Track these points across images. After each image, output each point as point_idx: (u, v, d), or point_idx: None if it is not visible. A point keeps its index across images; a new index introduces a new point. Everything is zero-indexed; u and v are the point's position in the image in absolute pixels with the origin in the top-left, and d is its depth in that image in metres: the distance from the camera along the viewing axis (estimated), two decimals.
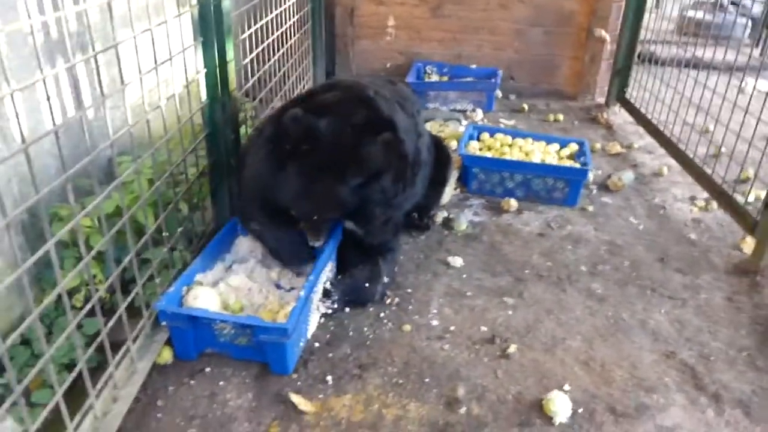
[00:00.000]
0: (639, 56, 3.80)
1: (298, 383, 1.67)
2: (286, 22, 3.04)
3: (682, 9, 5.40)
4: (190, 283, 1.80)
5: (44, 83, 1.26)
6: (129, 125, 1.56)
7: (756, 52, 5.40)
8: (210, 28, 1.94)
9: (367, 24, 4.21)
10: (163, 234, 1.79)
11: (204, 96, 2.04)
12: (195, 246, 2.04)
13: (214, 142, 2.08)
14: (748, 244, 2.35)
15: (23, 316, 1.74)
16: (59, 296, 1.33)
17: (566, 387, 1.68)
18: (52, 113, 1.38)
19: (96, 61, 1.46)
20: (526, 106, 3.93)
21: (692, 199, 2.81)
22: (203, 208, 2.14)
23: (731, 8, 6.03)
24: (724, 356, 1.84)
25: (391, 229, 2.08)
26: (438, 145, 2.41)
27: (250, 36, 2.49)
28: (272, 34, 2.79)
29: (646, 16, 3.68)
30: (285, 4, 3.04)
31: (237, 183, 2.06)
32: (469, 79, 4.04)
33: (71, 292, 1.73)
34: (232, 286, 1.88)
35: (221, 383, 1.66)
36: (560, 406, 1.59)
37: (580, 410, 1.62)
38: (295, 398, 1.61)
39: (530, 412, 1.61)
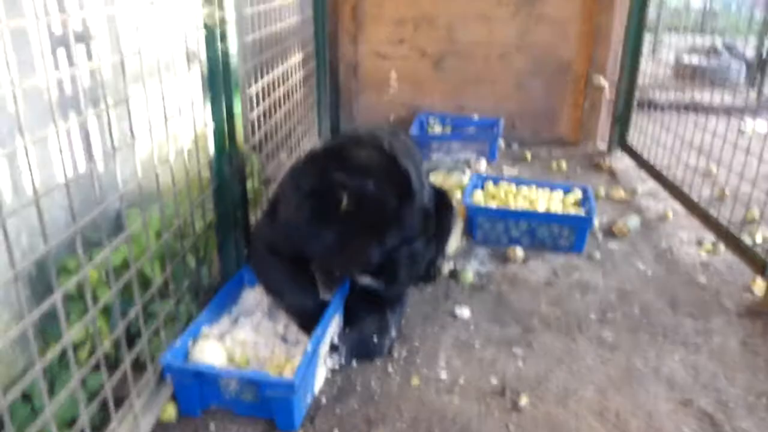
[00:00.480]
0: (638, 102, 3.87)
1: None
2: (291, 77, 3.11)
3: (678, 55, 5.51)
4: (196, 336, 1.79)
5: (57, 136, 1.28)
6: (138, 178, 1.58)
7: (752, 95, 5.49)
8: (218, 83, 1.99)
9: (370, 78, 4.30)
10: (170, 287, 1.79)
11: (212, 150, 2.07)
12: (201, 299, 2.03)
13: (221, 196, 2.10)
14: (759, 286, 2.33)
15: (26, 369, 1.72)
16: (63, 350, 1.32)
17: None
18: (64, 166, 1.40)
19: (108, 116, 1.49)
20: (529, 155, 3.97)
21: (699, 242, 2.80)
22: (210, 261, 2.14)
23: (725, 53, 6.16)
24: (742, 402, 1.79)
25: (405, 283, 2.11)
26: (440, 194, 2.42)
27: (256, 92, 2.54)
28: (278, 88, 2.85)
29: (643, 62, 3.77)
30: (291, 59, 3.12)
31: (247, 232, 2.09)
32: (471, 129, 4.10)
33: (76, 346, 1.72)
34: (238, 340, 1.86)
35: None
36: None
37: None
38: None
39: None
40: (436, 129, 4.15)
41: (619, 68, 3.91)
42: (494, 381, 1.87)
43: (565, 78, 4.15)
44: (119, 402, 1.55)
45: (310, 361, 1.66)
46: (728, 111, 2.84)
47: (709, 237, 2.79)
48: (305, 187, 1.85)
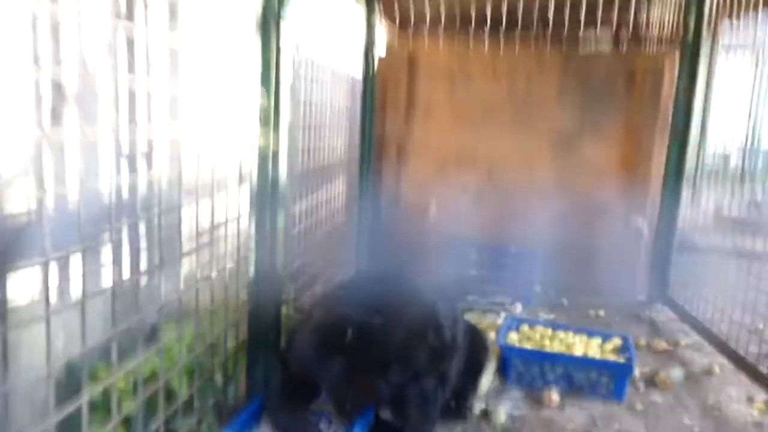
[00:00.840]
0: (679, 245, 3.85)
1: None
2: (333, 204, 3.23)
3: (718, 208, 5.52)
4: None
5: (111, 242, 1.35)
6: (179, 291, 1.62)
7: None
8: (265, 205, 2.08)
9: (411, 208, 4.43)
10: (195, 403, 1.75)
11: (252, 271, 2.12)
12: (224, 419, 1.97)
13: (256, 317, 2.11)
14: None
15: None
16: None
17: None
18: (113, 273, 1.44)
19: (159, 227, 1.57)
20: (566, 301, 3.92)
21: (750, 399, 2.63)
22: (237, 380, 2.11)
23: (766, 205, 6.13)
24: None
25: (429, 420, 2.03)
26: (474, 332, 2.40)
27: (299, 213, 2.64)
28: (319, 211, 2.95)
29: (683, 207, 3.79)
30: (335, 189, 3.26)
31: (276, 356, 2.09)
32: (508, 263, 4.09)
33: None
34: None
35: None
36: None
37: None
38: None
39: None
40: (471, 258, 4.15)
41: (658, 214, 3.93)
42: None
43: (602, 223, 4.18)
44: None
45: None
46: None
47: (760, 395, 2.62)
48: (316, 321, 1.94)
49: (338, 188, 3.36)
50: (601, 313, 3.72)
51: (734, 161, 4.30)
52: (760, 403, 2.58)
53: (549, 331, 2.87)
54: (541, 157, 4.22)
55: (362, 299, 1.95)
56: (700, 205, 5.03)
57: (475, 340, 2.34)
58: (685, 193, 3.86)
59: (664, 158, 3.89)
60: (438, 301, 2.14)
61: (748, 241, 2.93)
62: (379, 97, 4.15)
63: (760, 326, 3.18)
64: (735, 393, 2.72)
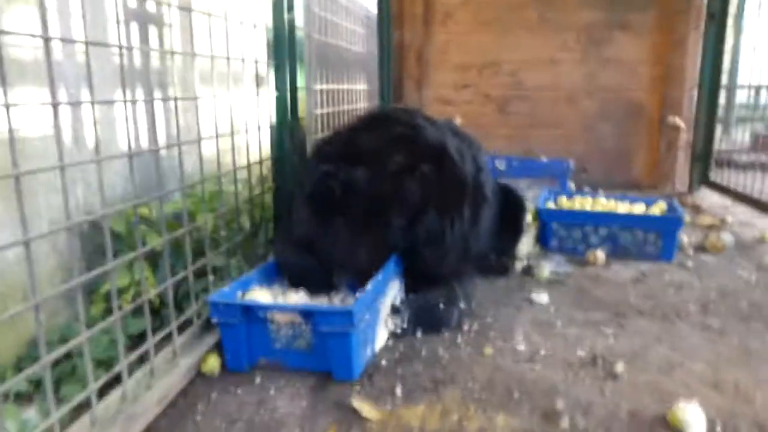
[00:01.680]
0: (716, 161, 3.69)
1: (362, 394, 1.41)
2: (355, 103, 3.12)
3: (754, 132, 5.29)
4: (246, 289, 1.64)
5: (124, 104, 1.27)
6: (199, 150, 1.53)
7: None
8: (283, 51, 1.98)
9: None
10: (221, 233, 1.67)
11: (273, 122, 2.02)
12: (253, 263, 1.89)
13: (280, 167, 2.02)
14: None
15: (69, 323, 1.61)
16: (107, 303, 1.23)
17: (695, 402, 1.34)
18: (128, 135, 1.36)
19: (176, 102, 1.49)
20: (602, 192, 3.75)
21: None
22: (267, 231, 2.03)
23: None
24: None
25: (442, 254, 1.89)
26: (507, 190, 2.27)
27: (320, 92, 2.53)
28: (342, 105, 2.85)
29: (717, 133, 3.62)
30: (356, 85, 3.15)
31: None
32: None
33: (120, 291, 1.60)
34: (292, 301, 1.69)
35: (272, 392, 1.43)
36: (692, 417, 1.25)
37: (718, 428, 1.27)
38: (358, 404, 1.34)
39: (651, 426, 1.27)
40: (502, 169, 4.02)
41: (695, 107, 3.74)
42: (581, 353, 1.61)
43: (637, 120, 4.01)
44: (159, 349, 1.41)
45: (371, 299, 1.48)
46: None
47: None
48: (306, 190, 1.78)
49: (359, 103, 3.24)
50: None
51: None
52: None
53: (589, 199, 2.73)
54: (569, 58, 4.04)
55: (345, 151, 1.80)
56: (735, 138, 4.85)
57: (508, 196, 2.21)
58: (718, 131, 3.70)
59: (700, 48, 3.68)
60: (449, 129, 2.01)
61: None
62: (395, 2, 4.01)
63: None
64: None
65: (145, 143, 1.99)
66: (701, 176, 3.72)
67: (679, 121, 3.86)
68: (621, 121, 4.03)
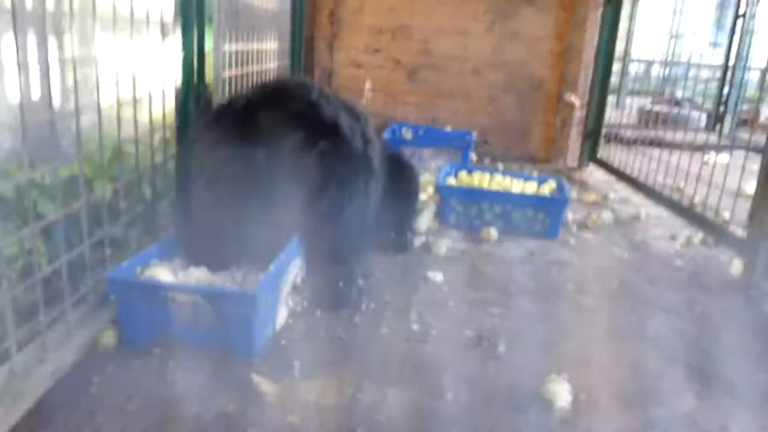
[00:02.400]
0: (604, 136, 3.96)
1: (261, 369, 1.46)
2: (265, 63, 3.05)
3: (642, 106, 5.70)
4: (145, 264, 1.62)
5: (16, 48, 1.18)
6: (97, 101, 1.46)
7: (713, 137, 5.67)
8: (191, 12, 1.90)
9: (344, 86, 4.28)
10: (120, 205, 1.63)
11: (179, 85, 1.96)
12: (154, 234, 1.86)
13: (184, 132, 1.97)
14: (736, 266, 2.28)
15: None
16: None
17: (564, 376, 1.50)
18: (20, 83, 1.26)
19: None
20: (501, 166, 3.94)
21: (673, 237, 2.76)
22: (169, 201, 1.98)
23: (686, 103, 6.40)
24: (729, 359, 1.69)
25: (357, 234, 1.95)
26: (397, 157, 2.31)
27: (230, 53, 2.46)
28: (251, 65, 2.77)
29: (608, 110, 3.89)
30: (266, 44, 3.07)
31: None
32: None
33: (7, 261, 1.53)
34: (193, 277, 1.69)
35: (171, 364, 1.44)
36: (560, 389, 1.41)
37: (582, 396, 1.44)
38: (257, 378, 1.39)
39: (527, 399, 1.42)
40: (408, 138, 4.10)
41: (590, 86, 3.98)
42: (469, 333, 1.74)
43: (537, 95, 4.20)
44: (53, 323, 1.37)
45: (272, 280, 1.51)
46: (691, 147, 2.99)
47: (683, 232, 2.75)
48: (207, 170, 1.71)
49: (269, 63, 3.15)
50: (534, 174, 3.77)
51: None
52: (683, 239, 2.71)
53: (486, 176, 2.88)
54: (478, 29, 4.13)
55: (244, 128, 1.78)
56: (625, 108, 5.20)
57: (398, 163, 2.25)
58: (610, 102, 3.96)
59: (597, 27, 3.89)
60: (341, 104, 2.01)
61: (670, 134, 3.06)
62: None
63: (682, 185, 3.34)
64: (660, 232, 2.84)
65: (37, 95, 1.86)
66: (590, 153, 3.99)
67: (574, 99, 4.09)
68: (523, 96, 4.21)
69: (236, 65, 2.54)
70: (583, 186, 3.63)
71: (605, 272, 2.27)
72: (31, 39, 1.79)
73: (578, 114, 4.10)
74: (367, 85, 4.29)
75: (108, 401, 1.29)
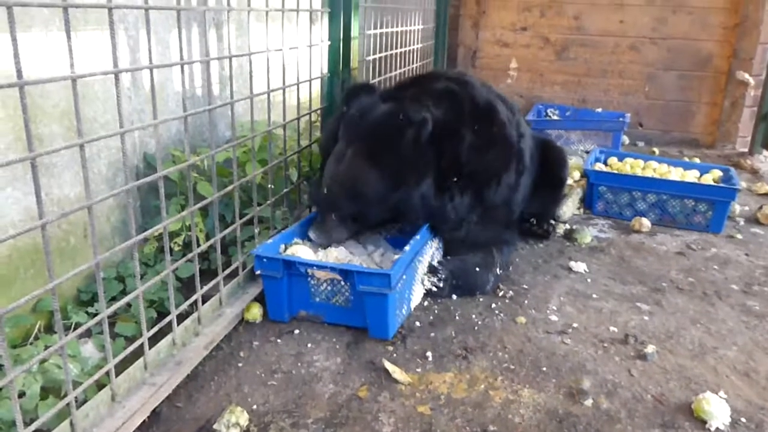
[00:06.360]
0: None
1: (394, 355, 1.47)
2: (409, 45, 3.05)
3: None
4: (288, 242, 1.69)
5: (180, 44, 1.26)
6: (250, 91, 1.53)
7: None
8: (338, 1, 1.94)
9: (489, 66, 4.18)
10: (269, 186, 1.71)
11: (325, 71, 2.01)
12: (297, 216, 1.95)
13: (330, 117, 2.03)
14: None
15: (124, 260, 1.70)
16: (160, 242, 1.27)
17: (721, 394, 1.36)
18: (183, 73, 1.33)
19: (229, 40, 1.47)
20: (656, 151, 3.64)
21: None
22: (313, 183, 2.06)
23: None
24: None
25: (498, 226, 1.91)
26: (547, 145, 2.21)
27: (374, 37, 2.48)
28: (396, 69, 2.79)
29: None
30: (410, 45, 3.06)
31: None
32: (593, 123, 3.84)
33: (171, 235, 1.68)
34: (332, 256, 1.74)
35: (310, 345, 1.50)
36: (717, 409, 1.27)
37: (743, 419, 1.28)
38: (390, 366, 1.41)
39: (675, 414, 1.30)
40: (555, 119, 3.92)
41: (767, 63, 3.53)
42: (614, 329, 1.63)
43: (703, 73, 3.80)
44: (207, 297, 1.49)
45: (408, 261, 1.52)
46: None
47: None
48: (364, 123, 1.72)
49: (412, 44, 3.14)
50: (696, 160, 3.43)
51: None
52: None
53: (640, 162, 2.66)
54: (636, 1, 3.81)
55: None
56: None
57: (548, 152, 2.16)
58: None
59: None
60: (497, 95, 1.97)
61: None
62: None
63: None
64: None
65: (198, 84, 2.01)
66: (765, 137, 3.55)
67: (747, 77, 3.65)
68: (686, 74, 3.84)
69: (380, 49, 2.56)
70: (754, 175, 3.25)
71: None
72: (195, 32, 1.94)
73: (752, 94, 3.65)
74: (513, 64, 4.15)
75: (253, 375, 1.38)
